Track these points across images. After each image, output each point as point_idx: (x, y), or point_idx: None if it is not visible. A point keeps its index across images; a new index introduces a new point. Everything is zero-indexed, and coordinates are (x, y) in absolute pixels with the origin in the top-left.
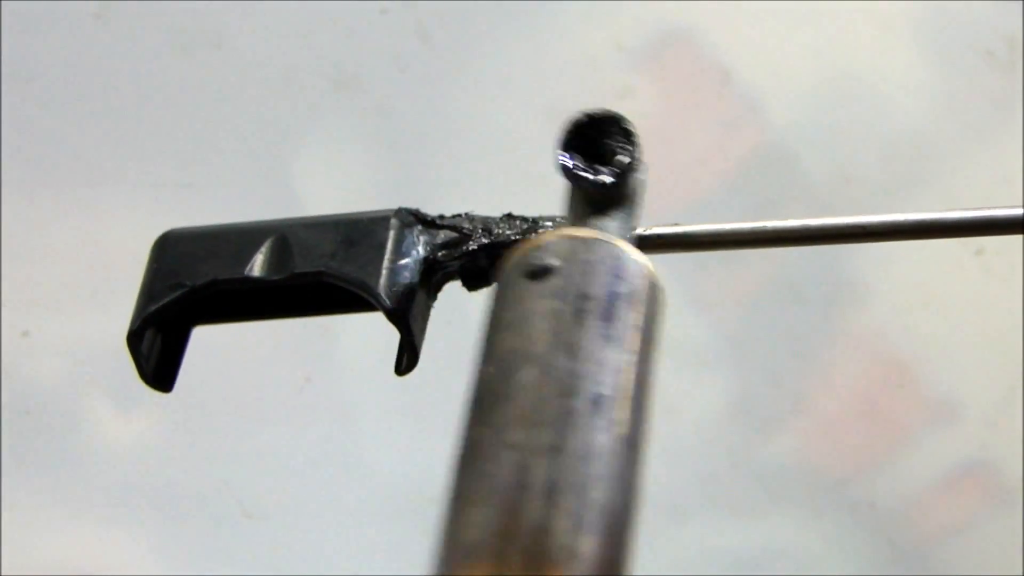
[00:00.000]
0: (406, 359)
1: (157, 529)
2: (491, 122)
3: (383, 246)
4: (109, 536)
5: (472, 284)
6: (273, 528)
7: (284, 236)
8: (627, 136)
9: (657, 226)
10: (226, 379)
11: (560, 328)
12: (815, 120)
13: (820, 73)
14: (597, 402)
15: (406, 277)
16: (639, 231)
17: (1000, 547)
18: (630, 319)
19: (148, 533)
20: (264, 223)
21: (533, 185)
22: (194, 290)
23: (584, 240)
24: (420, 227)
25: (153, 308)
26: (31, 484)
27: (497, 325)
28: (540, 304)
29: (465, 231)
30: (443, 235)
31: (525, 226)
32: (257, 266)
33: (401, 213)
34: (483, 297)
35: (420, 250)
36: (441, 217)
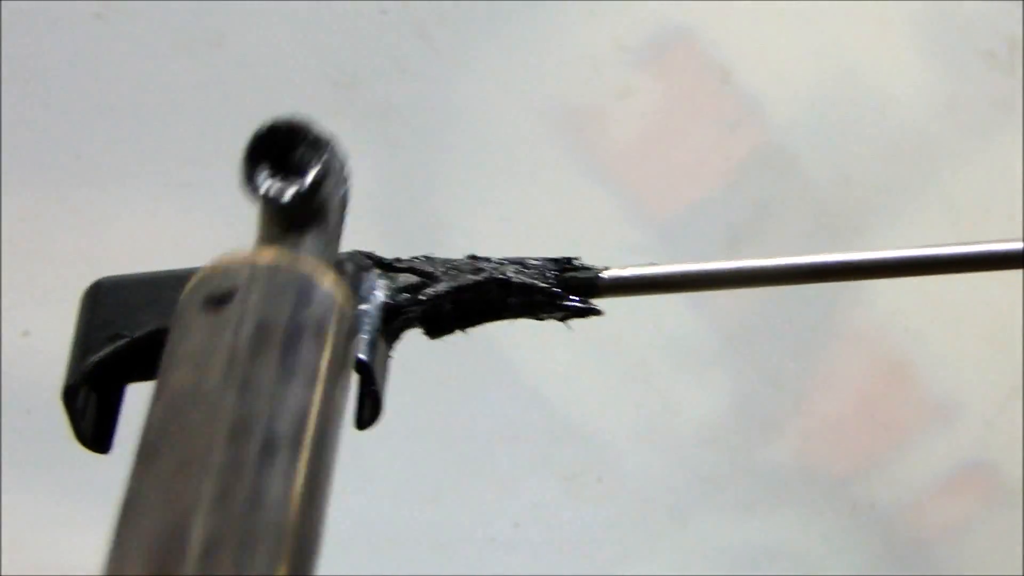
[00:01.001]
0: (369, 410)
1: None
2: (491, 122)
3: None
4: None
5: (434, 331)
6: None
7: None
8: (316, 146)
9: (632, 267)
10: None
11: (234, 362)
12: (815, 120)
13: (820, 73)
14: (270, 446)
15: (366, 324)
16: (611, 272)
17: (1000, 547)
18: (313, 352)
19: None
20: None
21: (533, 185)
22: (134, 341)
23: (268, 264)
24: (378, 270)
25: (92, 361)
26: (31, 484)
27: (171, 360)
28: (215, 336)
29: (426, 274)
30: (403, 279)
31: (490, 267)
32: None
33: (356, 256)
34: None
35: (379, 295)
36: (399, 260)
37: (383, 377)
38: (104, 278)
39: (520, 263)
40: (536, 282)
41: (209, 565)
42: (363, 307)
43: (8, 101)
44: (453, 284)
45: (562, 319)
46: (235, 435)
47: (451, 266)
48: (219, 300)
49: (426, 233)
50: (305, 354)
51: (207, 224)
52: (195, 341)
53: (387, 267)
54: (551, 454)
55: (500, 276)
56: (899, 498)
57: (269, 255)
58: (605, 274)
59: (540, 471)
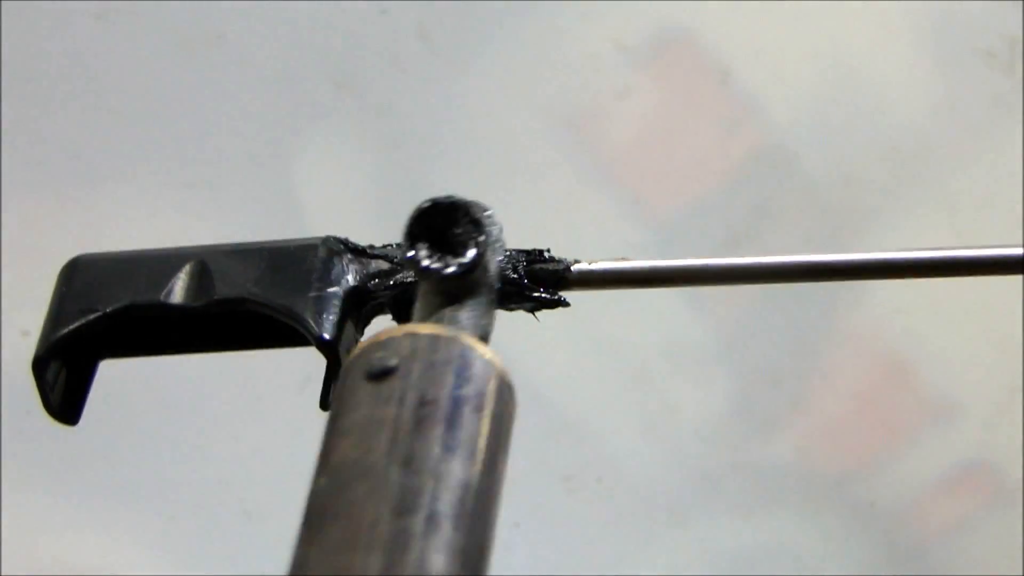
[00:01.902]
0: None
1: (157, 529)
2: (491, 122)
3: (310, 273)
4: (109, 536)
5: (403, 317)
6: (273, 528)
7: (204, 262)
8: (476, 224)
9: (601, 260)
10: (226, 378)
11: (398, 437)
12: (815, 120)
13: (820, 73)
14: (433, 520)
15: (335, 306)
16: (579, 266)
17: (1000, 547)
18: (475, 425)
19: (148, 533)
20: (183, 249)
21: (531, 184)
22: (107, 316)
23: (428, 337)
24: (350, 256)
25: (62, 333)
26: (31, 484)
27: (334, 431)
28: (378, 409)
29: (397, 262)
30: (374, 265)
31: None
32: (175, 292)
33: (329, 241)
34: None
35: (350, 279)
36: (371, 247)
37: None
38: (82, 255)
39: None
40: (506, 273)
41: None
42: (331, 290)
43: (8, 101)
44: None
45: (531, 310)
46: (400, 510)
47: None
48: (382, 373)
49: None
50: (467, 428)
51: (207, 224)
52: (359, 414)
53: (359, 252)
54: (551, 454)
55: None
56: (899, 498)
57: (429, 328)
58: (574, 267)
59: (540, 471)
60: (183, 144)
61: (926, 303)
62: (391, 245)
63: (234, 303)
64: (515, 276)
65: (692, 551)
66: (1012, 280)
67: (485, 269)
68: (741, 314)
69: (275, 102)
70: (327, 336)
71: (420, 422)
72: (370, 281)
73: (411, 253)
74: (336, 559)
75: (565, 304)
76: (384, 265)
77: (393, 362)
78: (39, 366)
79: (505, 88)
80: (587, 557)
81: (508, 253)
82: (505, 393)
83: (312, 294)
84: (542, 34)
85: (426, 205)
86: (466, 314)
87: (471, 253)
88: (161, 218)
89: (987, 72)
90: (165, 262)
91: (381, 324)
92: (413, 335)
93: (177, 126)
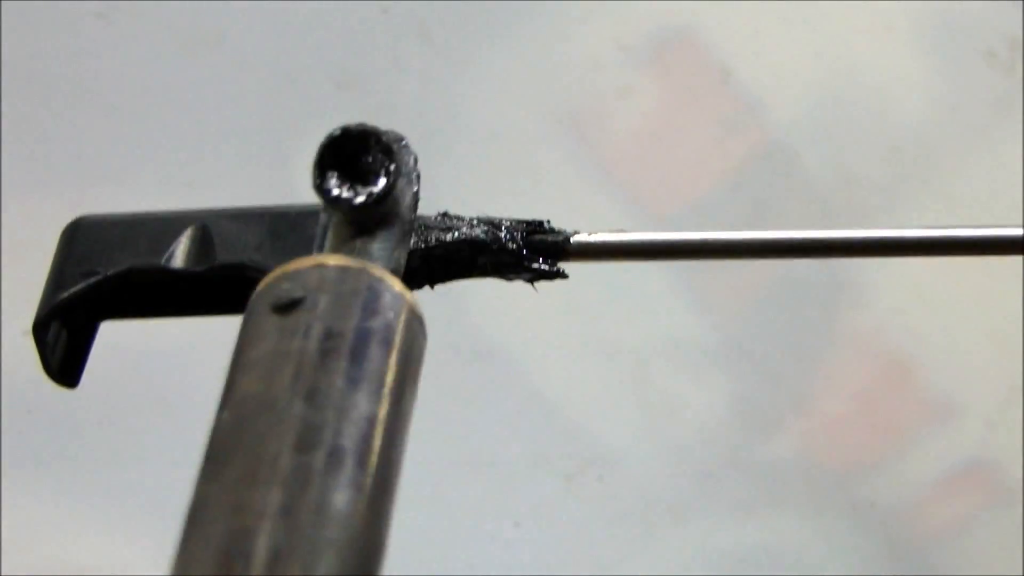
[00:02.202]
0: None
1: (157, 529)
2: (491, 122)
3: (311, 240)
4: (109, 536)
5: (406, 281)
6: None
7: (206, 226)
8: (387, 152)
9: (600, 232)
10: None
11: (302, 371)
12: (815, 120)
13: (820, 73)
14: (336, 456)
15: None
16: (579, 237)
17: (1000, 547)
18: (382, 359)
19: (148, 533)
20: (185, 212)
21: (533, 185)
22: (107, 279)
23: (336, 268)
24: None
25: (63, 296)
26: (31, 484)
27: (238, 365)
28: (283, 342)
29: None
30: None
31: (462, 225)
32: (176, 256)
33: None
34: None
35: None
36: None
37: None
38: (83, 216)
39: (491, 223)
40: (506, 244)
41: (274, 575)
42: None
43: (8, 100)
44: (423, 240)
45: (529, 281)
46: (302, 445)
47: (422, 223)
48: (288, 305)
49: None
50: (373, 361)
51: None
52: (263, 347)
53: None
54: (551, 454)
55: (470, 236)
56: (899, 498)
57: (337, 259)
58: (573, 239)
59: (540, 471)
60: (183, 144)
61: (926, 303)
62: None
63: (234, 268)
64: (513, 246)
65: (692, 551)
66: (1012, 280)
67: (396, 200)
68: (742, 314)
69: (275, 102)
70: None
71: (325, 355)
72: None
73: (320, 182)
74: (236, 495)
75: (564, 276)
76: None
77: (299, 294)
78: (39, 328)
79: (505, 88)
80: (587, 556)
81: (507, 223)
82: (414, 326)
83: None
84: (542, 34)
85: (336, 133)
86: (377, 246)
87: (381, 182)
88: None
89: (987, 72)
90: (167, 225)
91: None
92: (321, 266)
93: (177, 126)
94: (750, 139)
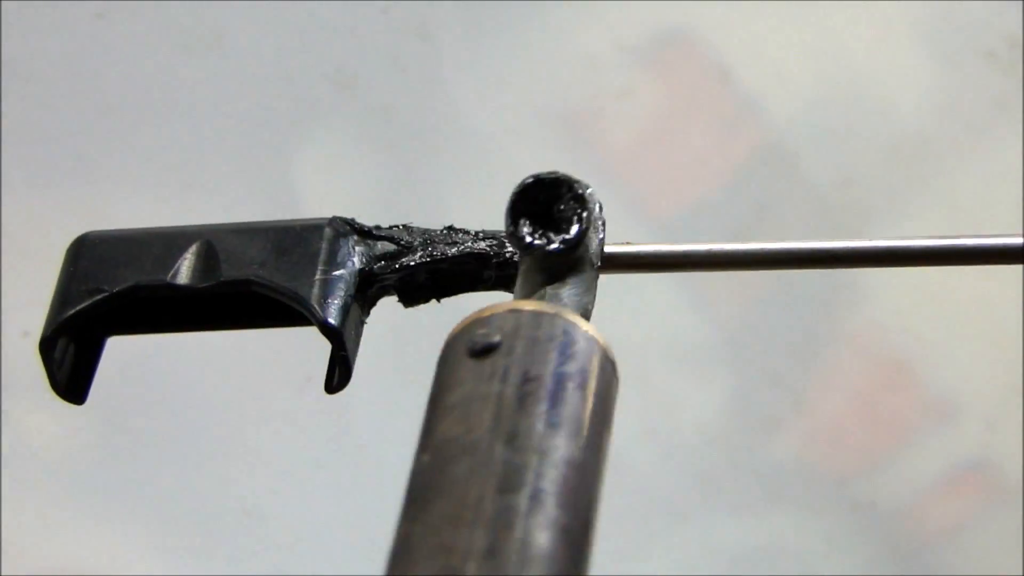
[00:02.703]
0: (338, 376)
1: (157, 529)
2: (491, 122)
3: (316, 256)
4: (109, 536)
5: (409, 300)
6: (273, 528)
7: (211, 242)
8: (579, 200)
9: (615, 244)
10: (226, 379)
11: (501, 413)
12: (815, 120)
13: (820, 73)
14: (537, 498)
15: (340, 289)
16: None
17: (1000, 547)
18: (579, 402)
19: (148, 533)
20: (190, 228)
21: None
22: (113, 296)
23: (531, 313)
24: (356, 237)
25: (69, 314)
26: (31, 485)
27: (436, 408)
28: (481, 386)
29: (404, 244)
30: (380, 247)
31: (467, 240)
32: (181, 272)
33: (336, 222)
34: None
35: (355, 261)
36: (378, 228)
37: (355, 343)
38: (88, 232)
39: (496, 236)
40: (510, 257)
41: None
42: (337, 272)
43: (8, 100)
44: (429, 255)
45: None
46: (505, 487)
47: (428, 237)
48: (485, 350)
49: None
50: (570, 405)
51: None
52: (461, 391)
53: (365, 234)
54: None
55: (476, 250)
56: (899, 498)
57: (532, 305)
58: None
59: None
60: (183, 144)
61: (926, 303)
62: (397, 226)
63: (239, 285)
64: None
65: (692, 551)
66: (1012, 280)
67: (587, 246)
68: (742, 313)
69: (275, 102)
70: (331, 320)
71: (524, 399)
72: (376, 263)
73: (514, 229)
74: (441, 536)
75: None
76: (390, 247)
77: (496, 339)
78: (46, 346)
79: (506, 88)
80: None
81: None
82: (608, 370)
83: (318, 277)
84: (542, 34)
85: (529, 181)
86: (568, 291)
87: (575, 229)
88: (161, 217)
89: (987, 72)
90: (171, 242)
91: (385, 306)
92: (516, 311)
93: (177, 125)
94: (750, 140)
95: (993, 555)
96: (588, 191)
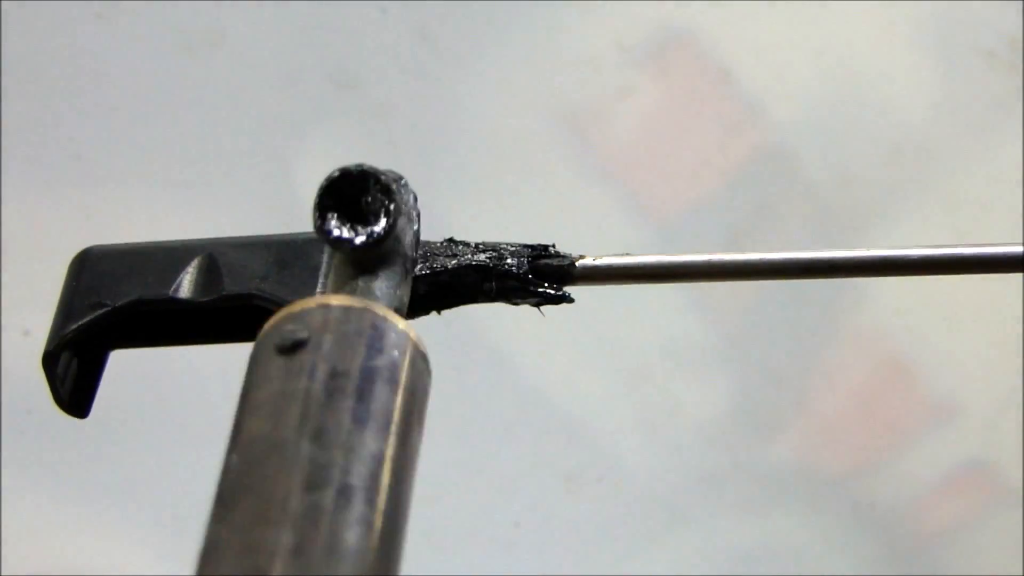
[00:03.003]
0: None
1: (157, 529)
2: (491, 122)
3: (317, 269)
4: (109, 536)
5: (409, 311)
6: None
7: (212, 256)
8: (386, 192)
9: (605, 256)
10: (226, 378)
11: (308, 410)
12: (815, 120)
13: (820, 73)
14: (345, 494)
15: None
16: (584, 262)
17: (1000, 547)
18: (387, 397)
19: (148, 533)
20: (191, 242)
21: (533, 185)
22: (116, 310)
23: (339, 308)
24: None
25: (72, 328)
26: (31, 484)
27: (245, 407)
28: (289, 383)
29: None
30: None
31: (467, 252)
32: (184, 286)
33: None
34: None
35: None
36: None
37: None
38: (91, 247)
39: (495, 249)
40: (511, 269)
41: None
42: None
43: (9, 100)
44: (429, 267)
45: (535, 305)
46: (311, 484)
47: (428, 250)
48: (293, 346)
49: (425, 233)
50: (379, 400)
51: (208, 224)
52: (269, 388)
53: None
54: (551, 454)
55: (476, 263)
56: (899, 498)
57: (341, 299)
58: (579, 263)
59: (540, 471)
60: (183, 143)
61: (926, 303)
62: None
63: (241, 299)
64: (519, 272)
65: (692, 551)
66: (1012, 281)
67: (397, 239)
68: (742, 314)
69: (275, 102)
70: None
71: (331, 394)
72: None
73: (321, 223)
74: (247, 536)
75: (569, 300)
76: None
77: (304, 335)
78: (49, 361)
79: (505, 88)
80: (587, 557)
81: (512, 248)
82: (419, 364)
83: (319, 291)
84: (542, 34)
85: (335, 175)
86: (379, 284)
87: (382, 223)
88: (161, 218)
89: (987, 72)
90: (173, 255)
91: None
92: (325, 307)
93: (178, 125)
94: (750, 140)
95: (993, 555)
96: (399, 183)
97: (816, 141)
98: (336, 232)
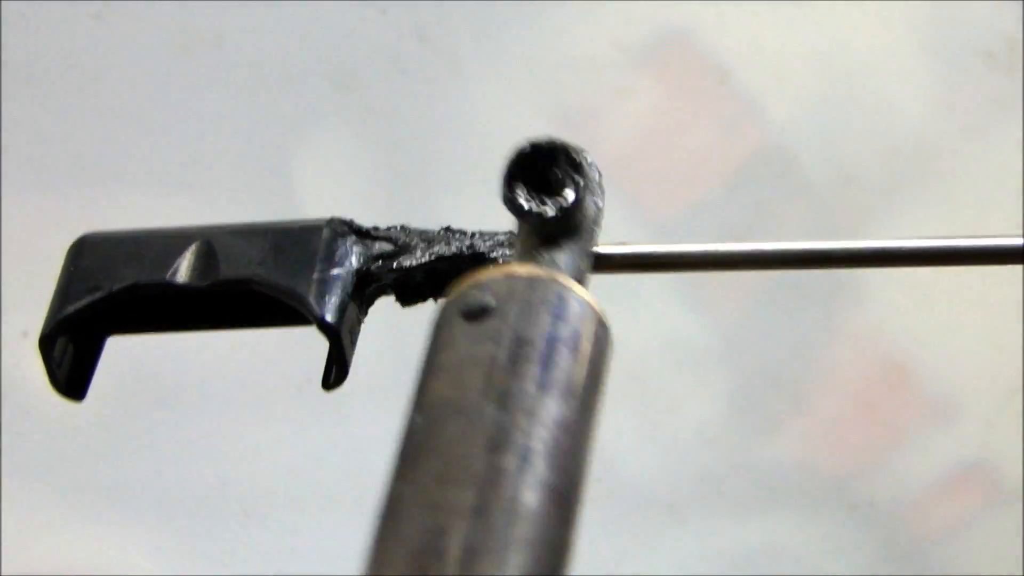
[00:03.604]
0: (335, 373)
1: (157, 529)
2: (491, 122)
3: (314, 255)
4: (109, 536)
5: (407, 299)
6: (273, 528)
7: (210, 242)
8: (575, 166)
9: (610, 245)
10: (226, 379)
11: (493, 375)
12: (815, 120)
13: (820, 73)
14: (526, 458)
15: (338, 288)
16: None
17: (1000, 547)
18: (570, 365)
19: (148, 533)
20: (189, 228)
21: None
22: (113, 294)
23: (525, 278)
24: (354, 237)
25: (68, 311)
26: (31, 484)
27: (430, 370)
28: (474, 348)
29: (401, 244)
30: (378, 247)
31: (466, 242)
32: (181, 271)
33: (334, 222)
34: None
35: (353, 261)
36: (376, 228)
37: (352, 342)
38: (89, 233)
39: (493, 237)
40: (509, 256)
41: (467, 573)
42: (335, 272)
43: (8, 100)
44: (427, 255)
45: None
46: (494, 446)
47: (426, 237)
48: (478, 312)
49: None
50: (562, 367)
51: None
52: (455, 352)
53: (363, 234)
54: None
55: (473, 250)
56: (899, 498)
57: (527, 269)
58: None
59: None
60: (183, 144)
61: (926, 303)
62: (395, 227)
63: (238, 283)
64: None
65: (692, 551)
66: (1012, 280)
67: (584, 212)
68: (741, 314)
69: (275, 102)
70: (329, 318)
71: (516, 361)
72: (373, 263)
73: (511, 196)
74: (429, 494)
75: None
76: (388, 247)
77: (490, 301)
78: (45, 343)
79: (505, 88)
80: (587, 557)
81: (510, 235)
82: (601, 335)
83: (315, 276)
84: (542, 34)
85: (525, 147)
86: (564, 256)
87: (570, 195)
88: (161, 218)
89: (987, 72)
90: (171, 241)
91: (382, 305)
92: (511, 276)
93: (177, 126)
94: (749, 140)
95: (993, 555)
96: (585, 157)
97: (815, 141)
98: (526, 204)
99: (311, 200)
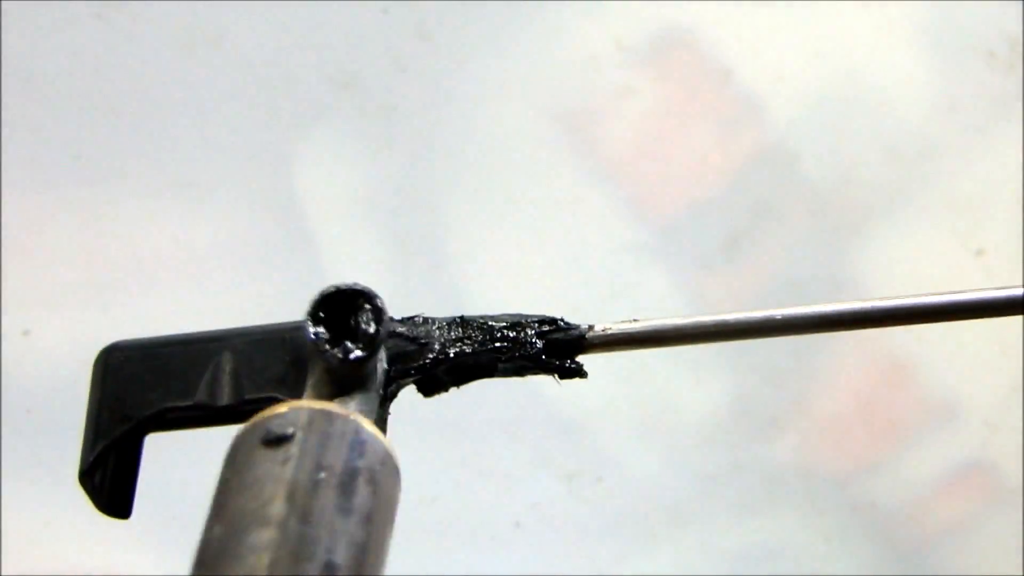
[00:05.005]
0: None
1: (157, 529)
2: (491, 122)
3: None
4: (109, 536)
5: (428, 391)
6: None
7: (231, 357)
8: (376, 313)
9: (615, 323)
10: None
11: (296, 494)
12: (815, 120)
13: (820, 73)
14: (330, 568)
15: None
16: (595, 331)
17: (1000, 547)
18: (367, 495)
19: (148, 533)
20: (209, 338)
21: (533, 185)
22: (142, 422)
23: (323, 412)
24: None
25: (104, 445)
26: (31, 484)
27: (228, 488)
28: (275, 469)
29: (420, 342)
30: (396, 346)
31: (480, 336)
32: (206, 392)
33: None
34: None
35: (378, 369)
36: (394, 323)
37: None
38: (114, 344)
39: (508, 331)
40: (525, 349)
41: None
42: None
43: (8, 101)
44: (445, 354)
45: (553, 376)
46: (300, 556)
47: (444, 335)
48: (278, 439)
49: (426, 233)
50: (360, 496)
51: (207, 224)
52: (257, 471)
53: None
54: (551, 454)
55: (492, 347)
56: (899, 498)
57: (325, 405)
58: (589, 334)
59: (540, 471)
60: (183, 144)
61: None
62: (414, 319)
63: (263, 402)
64: (532, 351)
65: (692, 551)
66: (1012, 281)
67: (380, 357)
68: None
69: (275, 102)
70: None
71: (317, 484)
72: (395, 365)
73: (313, 335)
74: None
75: (583, 375)
76: (409, 346)
77: (290, 430)
78: (85, 478)
79: (506, 88)
80: (587, 557)
81: (521, 321)
82: (393, 473)
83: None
84: (542, 34)
85: (330, 291)
86: (359, 395)
87: (371, 343)
88: (161, 218)
89: (987, 72)
90: (193, 356)
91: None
92: (310, 409)
93: (177, 126)
94: (750, 139)
95: (993, 555)
96: (382, 304)
97: (816, 141)
98: (327, 347)
99: (311, 200)
